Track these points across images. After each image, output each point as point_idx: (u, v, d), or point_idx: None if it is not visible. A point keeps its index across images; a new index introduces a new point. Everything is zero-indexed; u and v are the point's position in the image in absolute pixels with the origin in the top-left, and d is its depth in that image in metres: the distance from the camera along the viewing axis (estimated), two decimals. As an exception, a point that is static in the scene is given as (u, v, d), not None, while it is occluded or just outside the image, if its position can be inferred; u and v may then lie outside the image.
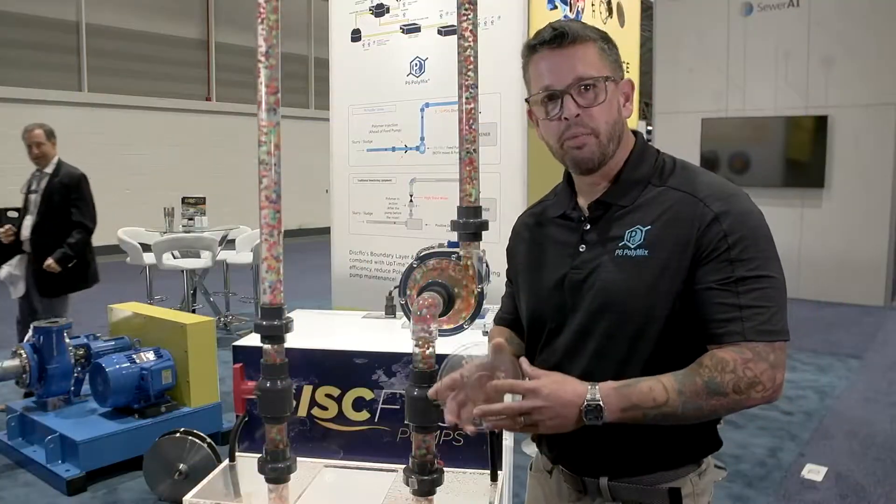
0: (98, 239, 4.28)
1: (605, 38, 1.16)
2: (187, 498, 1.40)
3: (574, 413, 1.01)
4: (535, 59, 1.16)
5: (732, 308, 1.05)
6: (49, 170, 4.19)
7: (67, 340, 3.46)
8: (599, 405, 1.00)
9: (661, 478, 1.16)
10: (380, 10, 3.54)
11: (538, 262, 1.26)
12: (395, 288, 1.33)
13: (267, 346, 1.06)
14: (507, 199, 3.19)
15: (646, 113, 11.07)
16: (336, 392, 1.61)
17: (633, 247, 1.12)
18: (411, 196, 3.51)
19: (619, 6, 3.97)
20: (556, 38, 1.12)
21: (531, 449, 1.34)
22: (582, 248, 1.19)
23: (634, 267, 1.11)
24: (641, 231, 1.13)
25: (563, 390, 1.02)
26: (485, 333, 1.11)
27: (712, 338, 1.07)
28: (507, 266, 1.39)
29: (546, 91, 1.14)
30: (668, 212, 1.12)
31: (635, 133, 1.23)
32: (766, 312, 1.05)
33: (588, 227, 1.19)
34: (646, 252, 1.11)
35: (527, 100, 1.20)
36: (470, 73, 1.12)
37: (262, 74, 1.02)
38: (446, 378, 1.07)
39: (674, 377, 1.04)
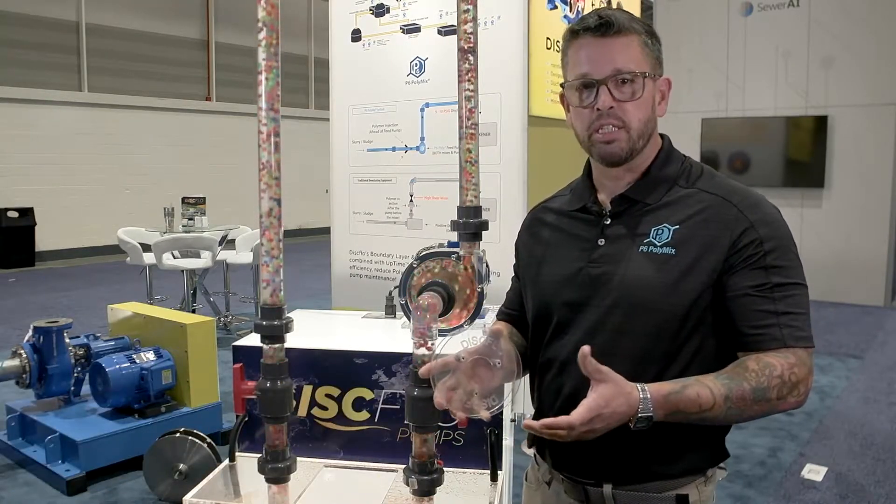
0: (98, 239, 4.29)
1: (649, 33, 1.14)
2: (187, 498, 1.40)
3: (624, 422, 0.98)
4: (575, 45, 1.14)
5: (770, 314, 1.05)
6: None
7: (67, 340, 3.46)
8: (651, 417, 0.97)
9: (667, 485, 1.14)
10: (380, 10, 3.54)
11: (551, 255, 1.24)
12: (395, 288, 1.33)
13: (267, 346, 1.06)
14: (507, 199, 3.18)
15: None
16: (336, 392, 1.60)
17: (658, 244, 1.11)
18: (411, 196, 3.51)
19: (619, 6, 3.97)
20: (600, 27, 1.10)
21: (531, 450, 1.32)
22: (601, 242, 1.17)
23: (659, 264, 1.10)
24: (669, 230, 1.12)
25: (619, 405, 0.96)
26: (485, 333, 1.10)
27: (748, 344, 1.06)
28: (514, 261, 1.35)
29: (582, 79, 1.12)
30: (701, 213, 1.11)
31: (662, 136, 1.21)
32: (800, 319, 1.05)
33: (609, 221, 1.17)
34: (672, 251, 1.10)
35: (562, 84, 1.17)
36: (470, 72, 1.12)
37: (263, 74, 1.01)
38: (440, 359, 1.05)
39: (720, 381, 1.01)
